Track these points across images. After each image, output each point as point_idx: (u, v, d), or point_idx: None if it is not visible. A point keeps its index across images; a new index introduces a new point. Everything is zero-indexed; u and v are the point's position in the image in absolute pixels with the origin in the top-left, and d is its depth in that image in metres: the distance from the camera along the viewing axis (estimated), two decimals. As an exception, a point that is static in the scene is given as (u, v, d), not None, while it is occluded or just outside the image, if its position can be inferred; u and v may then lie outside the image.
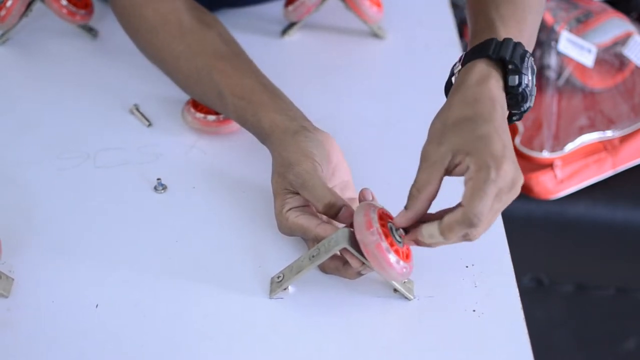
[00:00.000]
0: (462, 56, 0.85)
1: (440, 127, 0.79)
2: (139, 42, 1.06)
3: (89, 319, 0.81)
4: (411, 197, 0.78)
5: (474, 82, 0.81)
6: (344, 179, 0.91)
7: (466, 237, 0.77)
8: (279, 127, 0.91)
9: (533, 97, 0.84)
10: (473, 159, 0.75)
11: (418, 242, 0.80)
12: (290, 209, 0.86)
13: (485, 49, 0.82)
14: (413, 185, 0.78)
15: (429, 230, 0.77)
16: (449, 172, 0.77)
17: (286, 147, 0.88)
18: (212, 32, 1.02)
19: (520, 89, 0.81)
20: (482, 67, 0.82)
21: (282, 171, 0.87)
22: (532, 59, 0.84)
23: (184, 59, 1.00)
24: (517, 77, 0.81)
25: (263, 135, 0.93)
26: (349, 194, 0.90)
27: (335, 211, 0.83)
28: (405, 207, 0.79)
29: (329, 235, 0.81)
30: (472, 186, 0.74)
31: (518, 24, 0.87)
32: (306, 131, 0.90)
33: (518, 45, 0.82)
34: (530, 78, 0.82)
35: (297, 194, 0.86)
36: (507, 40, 0.82)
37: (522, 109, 0.84)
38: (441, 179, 0.77)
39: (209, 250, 0.89)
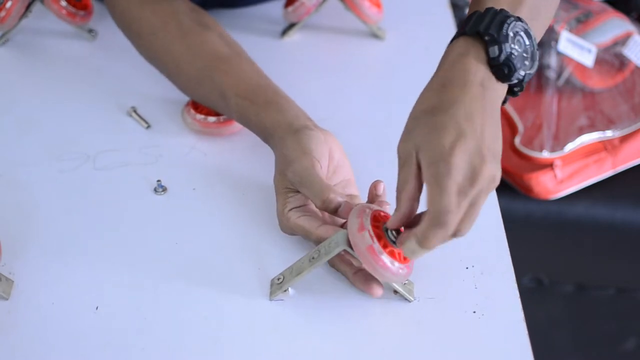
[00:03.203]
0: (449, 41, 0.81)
1: (410, 121, 0.77)
2: (138, 44, 1.06)
3: (89, 321, 0.81)
4: (396, 198, 0.77)
5: (448, 64, 0.77)
6: (346, 177, 0.91)
7: (453, 235, 0.74)
8: (280, 126, 0.91)
9: (534, 63, 0.79)
10: (423, 154, 0.73)
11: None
12: (291, 208, 0.86)
13: (464, 24, 0.79)
14: (396, 187, 0.77)
15: (409, 246, 0.75)
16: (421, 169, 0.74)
17: (286, 145, 0.89)
18: (212, 34, 1.02)
19: (502, 59, 0.76)
20: (459, 46, 0.78)
21: (282, 169, 0.88)
22: (523, 23, 0.78)
23: (185, 61, 1.00)
24: (496, 47, 0.76)
25: (266, 135, 0.93)
26: (351, 192, 0.90)
27: (335, 207, 0.83)
28: (395, 209, 0.77)
29: (328, 235, 0.81)
30: (428, 186, 0.72)
31: None
32: (307, 129, 0.90)
33: (499, 13, 0.77)
34: (521, 46, 0.77)
35: (298, 192, 0.86)
36: (487, 10, 0.78)
37: (515, 78, 0.78)
38: (417, 177, 0.74)
39: (209, 252, 0.89)
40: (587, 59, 1.55)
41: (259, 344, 0.80)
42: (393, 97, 1.14)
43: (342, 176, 0.91)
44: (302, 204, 0.87)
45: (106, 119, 1.07)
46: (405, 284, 0.83)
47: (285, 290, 0.83)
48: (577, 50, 1.54)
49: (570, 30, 1.56)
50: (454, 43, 0.79)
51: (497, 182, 0.74)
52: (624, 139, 1.54)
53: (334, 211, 0.83)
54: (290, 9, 1.20)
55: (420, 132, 0.74)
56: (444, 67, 0.78)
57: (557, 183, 1.50)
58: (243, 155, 1.01)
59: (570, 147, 1.51)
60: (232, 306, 0.83)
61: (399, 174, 0.76)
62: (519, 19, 0.78)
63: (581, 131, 1.53)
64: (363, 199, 0.89)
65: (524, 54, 0.78)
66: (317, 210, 0.87)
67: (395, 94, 1.14)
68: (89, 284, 0.85)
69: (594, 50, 1.55)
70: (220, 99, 0.97)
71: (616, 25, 1.59)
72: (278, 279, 0.83)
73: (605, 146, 1.53)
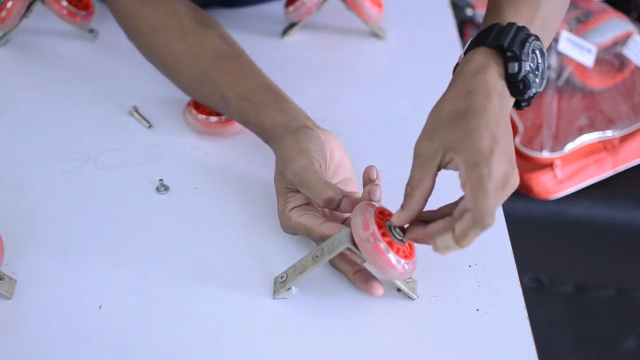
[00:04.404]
0: (467, 44, 0.83)
1: (433, 122, 0.78)
2: (139, 44, 1.06)
3: (91, 320, 0.81)
4: (406, 195, 0.77)
5: (471, 73, 0.79)
6: (347, 176, 0.91)
7: None
8: (280, 126, 0.91)
9: (543, 81, 0.81)
10: (461, 156, 0.73)
11: (417, 240, 0.79)
12: (292, 208, 0.86)
13: (486, 35, 0.80)
14: (408, 184, 0.77)
15: (444, 242, 0.75)
16: (441, 168, 0.76)
17: (285, 145, 0.89)
18: (213, 34, 1.02)
19: (520, 77, 0.78)
20: (481, 56, 0.79)
21: (281, 169, 0.88)
22: (539, 42, 0.80)
23: (185, 61, 1.00)
24: (516, 64, 0.78)
25: (266, 135, 0.93)
26: (352, 191, 0.90)
27: (336, 204, 0.83)
28: (402, 206, 0.78)
29: (334, 233, 0.81)
30: (471, 187, 0.72)
31: (530, 7, 0.83)
32: (306, 129, 0.90)
33: (521, 30, 0.79)
34: (534, 64, 0.79)
35: (298, 192, 0.86)
36: (509, 25, 0.80)
37: (527, 95, 0.80)
38: (434, 176, 0.76)
39: (212, 250, 0.89)
40: (587, 59, 1.55)
41: (262, 343, 0.80)
42: (393, 97, 1.14)
43: (343, 175, 0.91)
44: (303, 203, 0.87)
45: (107, 119, 1.07)
46: (408, 282, 0.83)
47: (288, 289, 0.83)
48: (577, 50, 1.55)
49: (570, 30, 1.56)
50: (474, 52, 0.80)
51: (515, 187, 0.76)
52: (624, 139, 1.54)
53: (336, 208, 0.83)
54: (291, 8, 1.20)
55: (451, 134, 0.75)
56: (466, 74, 0.79)
57: (557, 183, 1.50)
58: (245, 154, 1.01)
59: (570, 147, 1.51)
60: (235, 305, 0.83)
61: (414, 172, 0.77)
62: (537, 37, 0.80)
63: (581, 131, 1.53)
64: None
65: (536, 72, 0.80)
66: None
67: (396, 93, 1.14)
68: (92, 284, 0.85)
69: (594, 50, 1.55)
70: (220, 99, 0.97)
71: (616, 25, 1.59)
72: (281, 278, 0.83)
73: (605, 146, 1.53)
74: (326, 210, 0.87)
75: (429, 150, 0.76)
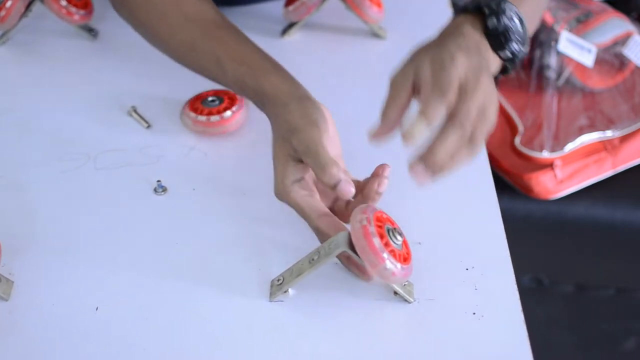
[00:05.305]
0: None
1: (405, 59, 0.83)
2: (130, 13, 1.05)
3: (89, 321, 0.81)
4: (384, 111, 0.81)
5: (447, 29, 0.84)
6: (336, 152, 0.91)
7: (470, 140, 0.78)
8: (282, 92, 0.91)
9: (524, 46, 0.86)
10: (426, 63, 0.79)
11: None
12: (294, 181, 0.85)
13: (465, 8, 0.86)
14: (384, 105, 0.81)
15: (411, 125, 0.77)
16: (415, 88, 0.80)
17: (292, 112, 0.88)
18: (208, 5, 1.02)
19: (499, 29, 0.83)
20: (458, 18, 0.85)
21: (287, 136, 0.86)
22: (514, 7, 0.85)
23: (179, 25, 1.00)
24: (494, 17, 0.83)
25: (264, 100, 0.92)
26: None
27: (335, 183, 0.82)
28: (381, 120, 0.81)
29: (329, 231, 0.82)
30: (433, 74, 0.77)
31: None
32: (310, 99, 0.90)
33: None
34: (512, 22, 0.84)
35: (300, 161, 0.86)
36: None
37: (509, 50, 0.85)
38: (409, 95, 0.80)
39: (209, 252, 0.89)
40: (587, 59, 1.55)
41: (258, 345, 0.80)
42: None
43: (333, 151, 0.90)
44: (302, 176, 0.86)
45: (107, 119, 1.07)
46: (405, 285, 0.83)
47: (285, 292, 0.83)
48: (577, 50, 1.54)
49: (570, 30, 1.56)
50: (453, 18, 0.86)
51: (491, 120, 0.79)
52: (624, 139, 1.54)
53: (334, 187, 0.83)
54: (290, 8, 1.20)
55: (420, 57, 0.80)
56: (442, 33, 0.85)
57: (557, 183, 1.50)
58: (243, 155, 1.01)
59: (570, 147, 1.51)
60: (232, 307, 0.83)
61: (390, 89, 0.81)
62: (512, 5, 0.85)
63: (581, 131, 1.53)
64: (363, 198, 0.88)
65: (517, 36, 0.85)
66: (314, 184, 0.88)
67: (396, 94, 1.14)
68: (89, 285, 0.85)
69: (594, 50, 1.55)
70: (216, 64, 0.96)
71: (616, 25, 1.59)
72: (278, 280, 0.83)
73: (605, 146, 1.53)
74: (320, 186, 0.87)
75: (401, 75, 0.81)
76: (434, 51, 0.80)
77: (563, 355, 1.60)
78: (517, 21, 0.84)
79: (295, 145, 0.85)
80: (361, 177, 0.92)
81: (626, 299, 1.62)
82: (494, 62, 0.85)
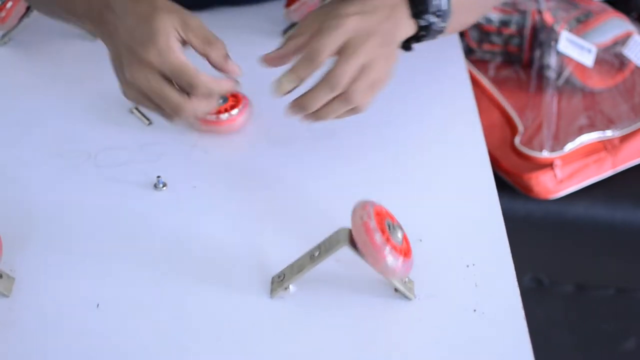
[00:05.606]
0: None
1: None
2: None
3: (89, 318, 0.81)
4: (282, 44, 0.92)
5: None
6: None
7: (347, 102, 0.90)
8: None
9: (442, 23, 0.95)
10: (323, 14, 0.90)
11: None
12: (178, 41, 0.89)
13: None
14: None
15: (282, 76, 0.90)
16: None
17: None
18: None
19: None
20: None
21: (175, 9, 0.90)
22: None
23: None
24: None
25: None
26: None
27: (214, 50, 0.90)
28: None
29: (212, 84, 0.89)
30: (317, 30, 0.88)
31: None
32: None
33: None
34: None
35: (182, 39, 0.89)
36: None
37: (426, 20, 0.93)
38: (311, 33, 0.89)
39: (210, 249, 0.89)
40: (587, 59, 1.55)
41: (259, 342, 0.80)
42: (393, 96, 1.13)
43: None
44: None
45: (107, 117, 1.07)
46: (405, 282, 0.83)
47: (286, 288, 0.83)
48: (577, 50, 1.54)
49: (570, 30, 1.56)
50: None
51: (375, 81, 0.90)
52: (624, 138, 1.54)
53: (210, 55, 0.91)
54: (291, 8, 1.20)
55: (322, 11, 0.91)
56: None
57: (557, 183, 1.50)
58: (244, 153, 1.01)
59: (570, 146, 1.51)
60: (233, 303, 0.83)
61: (293, 34, 0.92)
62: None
63: (581, 131, 1.53)
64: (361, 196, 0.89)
65: (438, 12, 0.93)
66: None
67: (396, 93, 1.14)
68: (90, 282, 0.85)
69: (594, 50, 1.55)
70: None
71: (616, 25, 1.59)
72: (279, 277, 0.83)
73: (605, 146, 1.53)
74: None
75: (313, 16, 0.91)
76: (331, 11, 0.90)
77: (563, 355, 1.60)
78: (442, 1, 0.93)
79: (184, 18, 0.89)
80: (362, 178, 0.92)
81: (626, 299, 1.62)
82: (408, 28, 0.93)
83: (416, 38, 0.96)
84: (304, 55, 0.89)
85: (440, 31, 0.96)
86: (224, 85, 0.93)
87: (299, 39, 0.91)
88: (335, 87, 0.88)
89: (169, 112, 0.92)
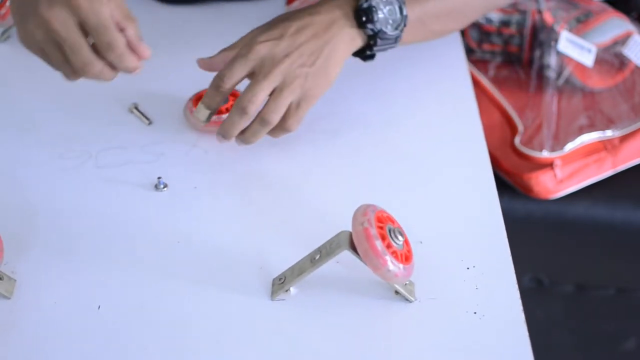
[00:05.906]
0: None
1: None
2: None
3: (91, 320, 0.81)
4: (218, 53, 0.96)
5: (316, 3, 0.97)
6: None
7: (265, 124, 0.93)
8: None
9: (395, 30, 0.97)
10: (242, 43, 0.95)
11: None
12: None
13: None
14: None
15: (197, 109, 0.96)
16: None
17: None
18: None
19: (364, 7, 0.94)
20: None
21: None
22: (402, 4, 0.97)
23: None
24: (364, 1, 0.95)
25: None
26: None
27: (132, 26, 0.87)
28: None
29: (125, 49, 0.86)
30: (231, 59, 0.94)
31: None
32: None
33: None
34: (386, 9, 0.95)
35: None
36: None
37: (371, 29, 0.95)
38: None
39: (211, 251, 0.89)
40: (587, 59, 1.54)
41: (260, 344, 0.80)
42: (393, 96, 1.14)
43: None
44: None
45: (108, 117, 1.07)
46: (406, 284, 0.83)
47: (286, 290, 0.83)
48: (577, 50, 1.54)
49: (570, 30, 1.56)
50: None
51: (308, 100, 0.94)
52: (624, 138, 1.53)
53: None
54: (292, 5, 1.20)
55: (248, 37, 0.95)
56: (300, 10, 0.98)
57: (557, 183, 1.49)
58: (245, 153, 1.01)
59: (570, 146, 1.51)
60: (233, 306, 0.83)
61: (230, 47, 0.97)
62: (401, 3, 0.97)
63: (581, 131, 1.53)
64: (361, 202, 0.89)
65: (390, 21, 0.96)
66: None
67: (396, 93, 1.14)
68: (91, 283, 0.85)
69: (594, 50, 1.55)
70: None
71: (616, 25, 1.58)
72: (280, 279, 0.83)
73: (605, 146, 1.53)
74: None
75: (247, 34, 0.96)
76: (250, 37, 0.94)
77: (563, 355, 1.60)
78: (397, 11, 0.96)
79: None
80: (362, 178, 0.92)
81: (626, 299, 1.62)
82: (354, 40, 0.96)
83: (369, 47, 0.98)
84: (211, 83, 0.94)
85: (394, 39, 0.98)
86: (134, 60, 0.88)
87: (229, 52, 0.95)
88: (244, 110, 0.92)
89: (73, 68, 0.87)
